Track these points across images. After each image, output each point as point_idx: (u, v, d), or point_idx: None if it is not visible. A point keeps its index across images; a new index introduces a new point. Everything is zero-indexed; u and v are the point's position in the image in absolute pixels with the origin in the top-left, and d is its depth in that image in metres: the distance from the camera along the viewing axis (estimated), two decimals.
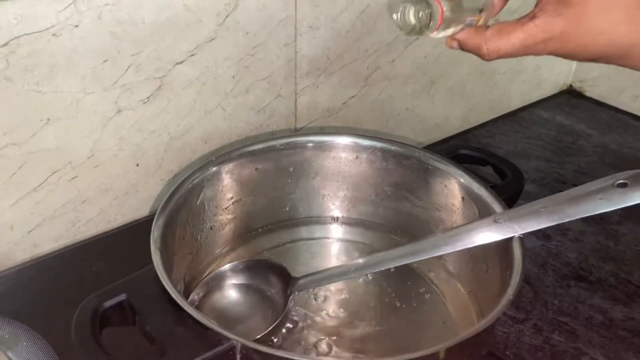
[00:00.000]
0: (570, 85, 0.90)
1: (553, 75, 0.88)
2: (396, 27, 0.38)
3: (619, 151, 0.76)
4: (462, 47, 0.38)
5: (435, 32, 0.37)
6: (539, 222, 0.37)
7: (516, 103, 0.85)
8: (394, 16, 0.38)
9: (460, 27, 0.38)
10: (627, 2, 0.32)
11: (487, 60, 0.38)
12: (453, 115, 0.77)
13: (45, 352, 0.43)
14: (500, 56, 0.37)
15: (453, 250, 0.39)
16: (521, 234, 0.38)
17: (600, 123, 0.82)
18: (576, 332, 0.50)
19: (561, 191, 0.67)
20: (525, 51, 0.35)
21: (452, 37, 0.38)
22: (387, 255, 0.42)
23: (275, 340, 0.41)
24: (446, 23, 0.37)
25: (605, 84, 0.87)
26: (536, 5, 0.36)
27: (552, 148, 0.76)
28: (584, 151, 0.76)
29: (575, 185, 0.67)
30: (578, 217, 0.36)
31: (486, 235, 0.38)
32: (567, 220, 0.36)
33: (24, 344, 0.43)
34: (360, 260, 0.43)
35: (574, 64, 0.88)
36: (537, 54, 0.35)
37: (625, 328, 0.50)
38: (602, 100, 0.87)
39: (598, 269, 0.57)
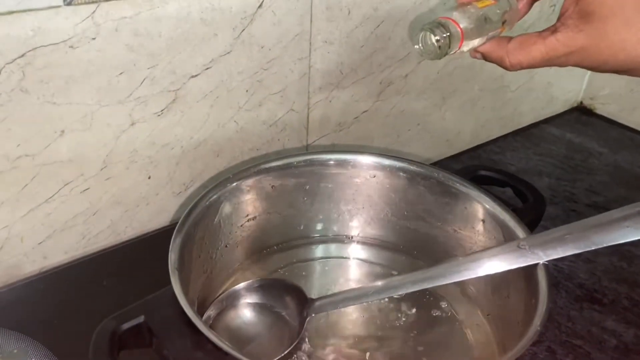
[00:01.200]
0: (581, 103, 0.90)
1: (564, 92, 0.87)
2: (420, 55, 0.38)
3: (631, 170, 0.76)
4: (486, 59, 0.39)
5: (458, 51, 0.37)
6: (564, 249, 0.36)
7: (527, 120, 0.84)
8: (416, 46, 0.38)
9: (484, 40, 0.38)
10: None
11: (510, 70, 0.39)
12: (464, 131, 0.77)
13: None
14: (523, 67, 0.38)
15: (474, 276, 0.39)
16: (546, 261, 0.37)
17: (611, 141, 0.82)
18: (590, 356, 0.49)
19: (573, 210, 0.67)
20: (546, 63, 0.36)
21: (475, 49, 0.39)
22: (406, 279, 0.41)
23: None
24: (468, 40, 0.37)
25: (616, 102, 0.86)
26: (558, 19, 0.36)
27: (562, 166, 0.76)
28: (595, 169, 0.76)
29: (587, 204, 0.68)
30: (605, 245, 0.36)
31: (509, 261, 0.38)
32: (593, 248, 0.36)
33: (33, 359, 0.43)
34: (379, 284, 0.42)
35: (585, 81, 0.88)
36: (559, 65, 0.36)
37: (638, 352, 0.50)
38: (613, 118, 0.87)
39: (611, 291, 0.56)
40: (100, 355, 0.30)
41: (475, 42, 0.38)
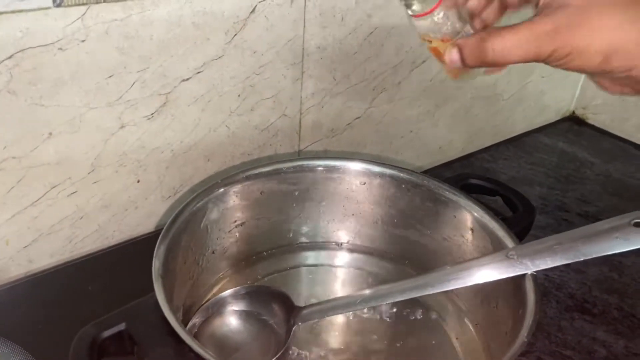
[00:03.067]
0: (573, 112, 0.90)
1: (556, 101, 0.88)
2: (407, 12, 0.36)
3: (622, 180, 0.76)
4: (463, 56, 0.34)
5: (432, 14, 0.35)
6: (553, 259, 0.36)
7: (519, 128, 0.84)
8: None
9: (454, 30, 0.36)
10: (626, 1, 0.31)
11: (495, 64, 0.33)
12: (456, 139, 0.77)
13: None
14: (508, 55, 0.32)
15: (463, 286, 0.38)
16: (534, 272, 0.37)
17: (603, 151, 0.82)
18: None
19: (564, 219, 0.67)
20: (535, 45, 0.31)
21: (452, 45, 0.35)
22: (395, 287, 0.41)
23: None
24: (442, 9, 0.35)
25: (608, 112, 0.87)
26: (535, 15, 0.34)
27: (554, 175, 0.76)
28: (587, 179, 0.76)
29: (578, 214, 0.68)
30: (594, 256, 0.35)
31: (498, 271, 0.37)
32: (582, 259, 0.36)
33: None
34: (367, 292, 0.42)
35: (577, 91, 0.89)
36: (545, 53, 0.32)
37: None
38: (605, 128, 0.87)
39: (602, 302, 0.56)
40: None
41: (448, 26, 0.36)
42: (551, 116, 0.88)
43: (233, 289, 0.43)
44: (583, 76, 0.87)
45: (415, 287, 0.39)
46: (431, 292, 0.39)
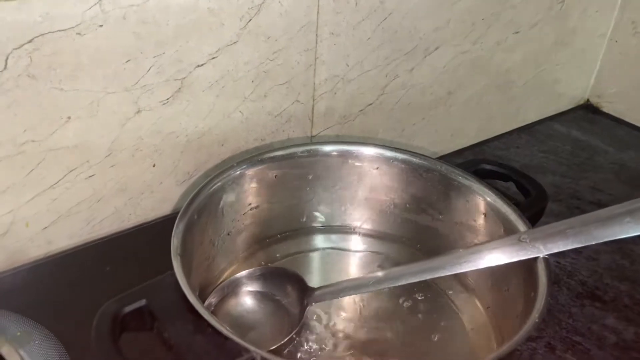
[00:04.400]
0: (588, 100, 0.90)
1: (571, 89, 0.87)
2: None
3: (636, 169, 0.76)
4: None
5: None
6: (565, 243, 0.36)
7: (532, 116, 0.84)
8: None
9: None
10: None
11: None
12: (469, 126, 0.77)
13: (58, 351, 0.42)
14: None
15: (475, 268, 0.39)
16: (546, 255, 0.37)
17: (617, 140, 0.82)
18: (589, 353, 0.49)
19: (577, 207, 0.67)
20: None
21: None
22: (407, 269, 0.41)
23: (289, 351, 0.40)
24: None
25: (623, 101, 0.86)
26: None
27: (567, 163, 0.76)
28: (600, 168, 0.75)
29: (591, 202, 0.68)
30: (606, 239, 0.36)
31: (510, 254, 0.38)
32: (593, 243, 0.36)
33: (37, 342, 0.43)
34: (380, 274, 0.42)
35: (592, 79, 0.88)
36: None
37: (638, 350, 0.50)
38: (619, 116, 0.86)
39: (613, 289, 0.56)
40: (102, 337, 0.30)
41: None
42: (565, 104, 0.88)
43: (248, 270, 0.44)
44: (598, 64, 0.86)
45: (428, 269, 0.40)
46: (443, 275, 0.39)
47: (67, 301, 0.47)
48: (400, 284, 0.42)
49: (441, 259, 0.40)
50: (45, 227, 0.51)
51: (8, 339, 0.42)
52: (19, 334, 0.44)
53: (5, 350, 0.40)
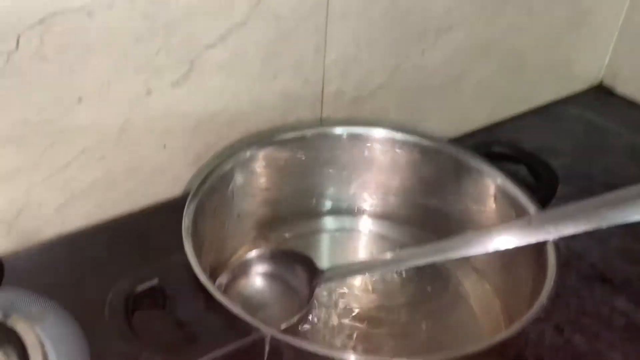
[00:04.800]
0: (602, 82, 0.88)
1: (584, 70, 0.86)
2: None
3: None
4: None
5: None
6: (576, 226, 0.36)
7: (545, 98, 0.83)
8: None
9: None
10: None
11: None
12: (480, 108, 0.76)
13: (73, 329, 0.43)
14: None
15: (484, 252, 0.39)
16: (556, 238, 0.37)
17: (632, 122, 0.80)
18: (598, 335, 0.49)
19: (588, 190, 0.66)
20: None
21: None
22: (416, 252, 0.41)
23: (297, 330, 0.41)
24: None
25: (638, 82, 0.85)
26: None
27: (580, 146, 0.75)
28: (613, 150, 0.74)
29: (603, 185, 0.67)
30: (618, 222, 0.35)
31: (520, 237, 0.37)
32: (605, 226, 0.35)
33: (52, 320, 0.44)
34: (388, 256, 0.42)
35: (607, 60, 0.87)
36: None
37: None
38: (634, 99, 0.85)
39: (623, 272, 0.56)
40: (116, 316, 0.31)
41: None
42: (579, 86, 0.87)
43: (257, 251, 0.44)
44: (612, 44, 0.85)
45: (436, 251, 0.40)
46: (452, 258, 0.39)
47: (80, 280, 0.48)
48: (409, 266, 0.42)
49: (450, 241, 0.40)
50: (59, 207, 0.52)
51: (23, 316, 0.43)
52: (34, 311, 0.44)
53: (21, 327, 0.41)
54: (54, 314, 0.44)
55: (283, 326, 0.39)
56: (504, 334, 0.31)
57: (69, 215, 0.52)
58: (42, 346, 0.41)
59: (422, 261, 0.41)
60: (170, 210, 0.55)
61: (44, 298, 0.45)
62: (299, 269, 0.43)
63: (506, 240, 0.38)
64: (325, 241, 0.51)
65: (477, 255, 0.47)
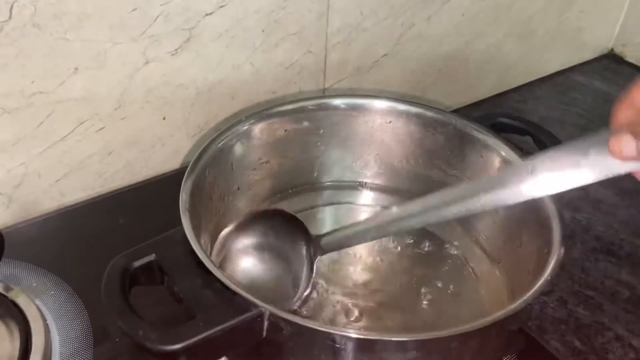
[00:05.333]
0: (612, 50, 0.86)
1: (594, 38, 0.84)
2: None
3: None
4: None
5: None
6: (578, 177, 0.31)
7: (553, 67, 0.81)
8: None
9: None
10: None
11: None
12: (486, 78, 0.75)
13: (73, 301, 0.44)
14: None
15: (482, 209, 0.35)
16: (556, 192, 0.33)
17: None
18: (601, 307, 0.49)
19: None
20: None
21: None
22: (413, 208, 0.38)
23: (298, 305, 0.40)
24: None
25: None
26: None
27: (588, 116, 0.73)
28: None
29: None
30: (627, 171, 0.31)
31: (521, 189, 0.32)
32: (611, 176, 0.31)
33: (52, 292, 0.44)
34: (386, 215, 0.40)
35: (618, 27, 0.84)
36: None
37: None
38: None
39: (628, 244, 0.55)
40: (112, 291, 0.30)
41: None
42: (588, 54, 0.85)
43: (243, 218, 0.40)
44: (624, 11, 0.82)
45: (441, 204, 0.36)
46: (451, 214, 0.36)
47: (80, 253, 0.48)
48: (410, 225, 0.39)
49: (445, 192, 0.36)
50: (58, 180, 0.51)
51: (24, 289, 0.43)
52: (34, 284, 0.45)
53: (22, 300, 0.41)
54: (55, 286, 0.45)
55: (288, 306, 0.38)
56: (507, 310, 0.31)
57: (68, 188, 0.52)
58: (44, 319, 0.41)
59: (420, 220, 0.38)
60: (171, 183, 0.54)
61: (44, 270, 0.45)
62: (294, 238, 0.41)
63: (508, 191, 0.34)
64: (326, 214, 0.51)
65: (480, 228, 0.47)
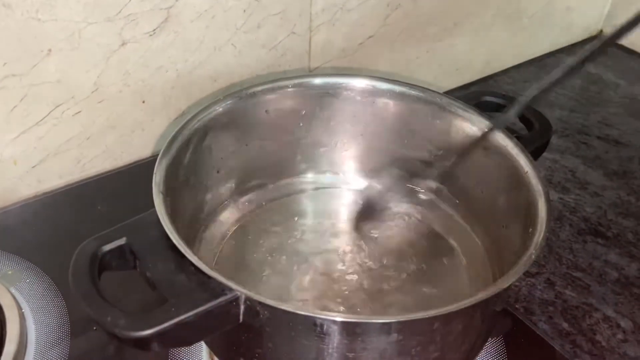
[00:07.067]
0: (601, 31, 0.85)
1: (584, 19, 0.83)
2: None
3: None
4: None
5: None
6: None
7: (543, 48, 0.80)
8: None
9: None
10: None
11: None
12: (475, 59, 0.74)
13: (49, 289, 0.43)
14: None
15: None
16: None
17: (630, 72, 0.78)
18: (589, 288, 0.49)
19: (584, 143, 0.65)
20: None
21: None
22: None
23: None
24: None
25: (638, 32, 0.81)
26: None
27: (577, 97, 0.73)
28: (610, 101, 0.72)
29: (599, 137, 0.66)
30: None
31: None
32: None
33: (27, 280, 0.43)
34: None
35: (607, 8, 0.83)
36: None
37: None
38: (634, 48, 0.82)
39: (617, 225, 0.55)
40: (80, 276, 0.29)
41: None
42: (577, 35, 0.84)
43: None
44: None
45: None
46: None
47: (58, 240, 0.46)
48: None
49: None
50: (35, 166, 0.50)
51: None
52: (10, 272, 0.44)
53: None
54: (31, 274, 0.44)
55: None
56: (490, 289, 0.30)
57: (45, 174, 0.51)
58: (19, 307, 0.40)
59: None
60: (151, 168, 0.53)
61: (20, 258, 0.45)
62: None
63: None
64: (309, 197, 0.50)
65: (466, 207, 0.46)
